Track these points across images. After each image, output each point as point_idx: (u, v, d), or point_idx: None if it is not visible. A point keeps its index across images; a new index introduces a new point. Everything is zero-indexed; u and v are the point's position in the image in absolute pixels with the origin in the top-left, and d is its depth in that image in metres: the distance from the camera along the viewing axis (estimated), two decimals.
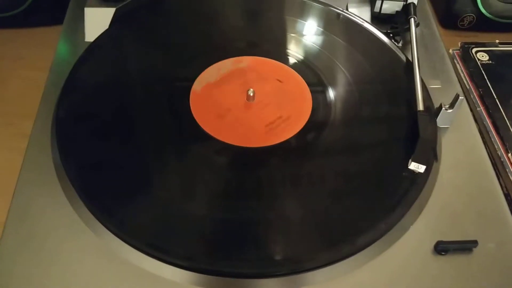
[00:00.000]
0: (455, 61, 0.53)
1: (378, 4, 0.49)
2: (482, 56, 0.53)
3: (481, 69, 0.52)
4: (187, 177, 0.37)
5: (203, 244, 0.33)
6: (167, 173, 0.37)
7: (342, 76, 0.44)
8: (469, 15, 0.61)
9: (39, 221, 0.34)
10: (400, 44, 0.47)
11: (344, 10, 0.50)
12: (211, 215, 0.34)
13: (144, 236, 0.33)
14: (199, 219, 0.34)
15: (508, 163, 0.44)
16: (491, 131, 0.46)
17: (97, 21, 0.47)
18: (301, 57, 0.46)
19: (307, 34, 0.48)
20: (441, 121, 0.40)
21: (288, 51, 0.47)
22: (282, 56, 0.46)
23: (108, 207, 0.34)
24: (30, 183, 0.36)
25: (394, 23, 0.49)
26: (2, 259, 0.32)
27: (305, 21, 0.49)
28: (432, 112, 0.40)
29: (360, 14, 0.50)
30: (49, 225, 0.34)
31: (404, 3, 0.48)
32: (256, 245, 0.33)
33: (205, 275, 0.31)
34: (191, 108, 0.41)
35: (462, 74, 0.52)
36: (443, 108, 0.40)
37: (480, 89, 0.50)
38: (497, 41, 0.55)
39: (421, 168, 0.36)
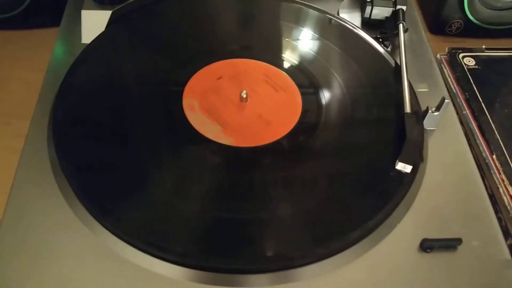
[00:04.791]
0: (443, 66, 0.54)
1: (368, 10, 0.49)
2: (469, 61, 0.54)
3: (468, 73, 0.53)
4: (181, 176, 0.38)
5: (197, 241, 0.34)
6: (161, 172, 0.38)
7: (332, 79, 0.45)
8: (457, 21, 0.63)
9: (35, 220, 0.34)
10: (389, 49, 0.48)
11: (335, 15, 0.51)
12: (205, 212, 0.35)
13: (140, 234, 0.33)
14: (193, 217, 0.35)
15: (493, 165, 0.45)
16: (477, 134, 0.48)
17: (93, 24, 0.47)
18: (292, 60, 0.47)
19: (299, 38, 0.49)
20: (427, 123, 0.41)
21: (280, 54, 0.47)
22: (273, 59, 0.47)
23: (104, 205, 0.34)
24: (26, 182, 0.36)
25: (384, 29, 0.50)
26: None
27: (297, 25, 0.50)
28: (419, 114, 0.41)
29: (351, 19, 0.51)
30: (46, 224, 0.34)
31: (393, 9, 0.49)
32: (248, 242, 0.34)
33: (199, 271, 0.32)
34: (184, 109, 0.41)
35: (449, 79, 0.53)
36: (430, 111, 0.41)
37: (466, 93, 0.51)
38: (483, 46, 0.56)
39: (407, 168, 0.37)
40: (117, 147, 0.39)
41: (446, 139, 0.42)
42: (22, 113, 0.44)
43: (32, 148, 0.38)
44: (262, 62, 0.46)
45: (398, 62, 0.45)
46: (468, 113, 0.49)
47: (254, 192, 0.37)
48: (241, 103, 0.43)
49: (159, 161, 0.38)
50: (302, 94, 0.44)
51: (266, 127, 0.41)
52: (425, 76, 0.47)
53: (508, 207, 0.42)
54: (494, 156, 0.45)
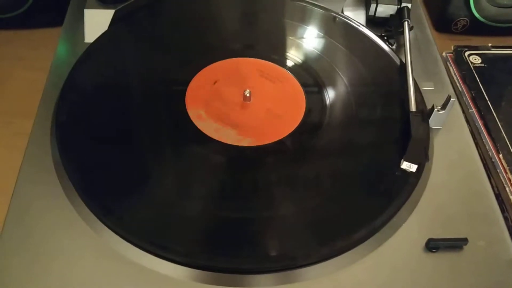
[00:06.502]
0: (448, 64, 0.54)
1: (372, 7, 0.49)
2: (475, 59, 0.54)
3: (474, 72, 0.52)
4: (184, 175, 0.37)
5: (201, 241, 0.34)
6: (164, 171, 0.38)
7: (337, 78, 0.45)
8: (463, 19, 0.62)
9: (38, 219, 0.34)
10: (394, 47, 0.48)
11: (340, 13, 0.51)
12: (208, 212, 0.35)
13: (143, 233, 0.33)
14: (196, 216, 0.35)
15: (499, 164, 0.45)
16: (483, 133, 0.47)
17: (96, 23, 0.47)
18: (296, 58, 0.47)
19: (303, 37, 0.49)
20: (433, 122, 0.41)
21: (284, 53, 0.47)
22: (277, 58, 0.46)
23: (107, 205, 0.34)
24: (29, 182, 0.36)
25: (389, 26, 0.49)
26: (1, 257, 0.32)
27: (301, 23, 0.50)
28: (425, 113, 0.41)
29: (355, 17, 0.50)
30: (49, 223, 0.34)
31: (398, 7, 0.48)
32: (252, 242, 0.34)
33: (202, 271, 0.32)
34: (187, 108, 0.41)
35: (455, 77, 0.53)
36: (435, 109, 0.40)
37: (472, 92, 0.50)
38: (489, 44, 0.56)
39: (413, 168, 0.37)
40: (121, 146, 0.39)
41: (452, 138, 0.41)
42: (24, 112, 0.44)
43: (35, 147, 0.38)
44: (265, 61, 0.46)
45: (403, 60, 0.45)
46: (474, 112, 0.49)
47: (258, 192, 0.37)
48: (245, 102, 0.42)
49: (162, 160, 0.38)
50: (306, 92, 0.44)
51: (270, 126, 0.41)
52: (431, 74, 0.46)
53: None
54: (500, 155, 0.45)
